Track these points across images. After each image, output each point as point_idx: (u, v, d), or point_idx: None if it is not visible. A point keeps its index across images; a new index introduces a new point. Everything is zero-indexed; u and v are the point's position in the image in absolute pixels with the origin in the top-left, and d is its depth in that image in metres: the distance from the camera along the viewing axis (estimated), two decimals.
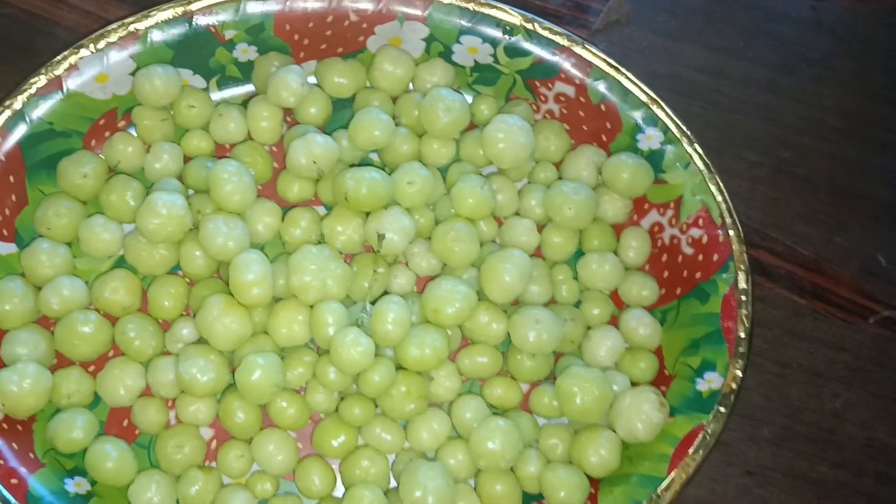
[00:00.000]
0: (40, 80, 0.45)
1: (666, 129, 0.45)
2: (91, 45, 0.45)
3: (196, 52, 0.47)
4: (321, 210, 0.47)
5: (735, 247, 0.43)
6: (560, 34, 0.46)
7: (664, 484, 0.39)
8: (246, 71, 0.48)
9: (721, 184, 0.44)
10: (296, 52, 0.48)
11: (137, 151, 0.47)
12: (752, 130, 0.52)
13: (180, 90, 0.47)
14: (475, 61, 0.48)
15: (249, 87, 0.49)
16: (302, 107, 0.47)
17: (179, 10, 0.45)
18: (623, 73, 0.46)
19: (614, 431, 0.42)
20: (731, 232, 0.44)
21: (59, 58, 0.45)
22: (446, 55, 0.48)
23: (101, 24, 0.49)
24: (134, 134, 0.47)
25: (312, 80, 0.49)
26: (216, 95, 0.49)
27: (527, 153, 0.45)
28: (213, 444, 0.44)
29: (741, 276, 0.43)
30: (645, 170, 0.45)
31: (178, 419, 0.43)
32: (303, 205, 0.47)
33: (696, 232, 0.44)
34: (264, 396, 0.42)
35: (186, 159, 0.47)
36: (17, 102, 0.44)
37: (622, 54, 0.47)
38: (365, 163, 0.48)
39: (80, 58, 0.45)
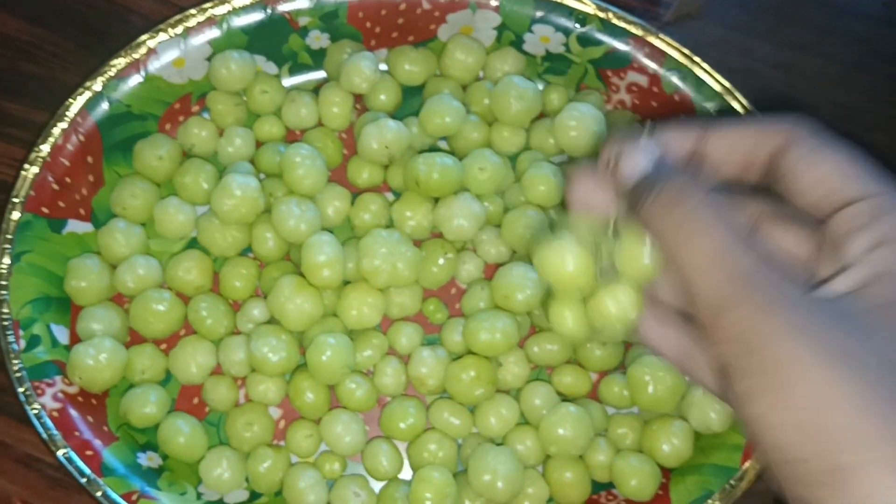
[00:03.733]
0: (120, 63, 0.46)
1: None
2: (170, 30, 0.46)
3: (270, 38, 0.48)
4: (390, 196, 0.48)
5: None
6: (634, 24, 0.46)
7: (738, 474, 0.39)
8: (317, 58, 0.49)
9: None
10: (367, 39, 0.49)
11: (211, 135, 0.48)
12: (825, 126, 0.51)
13: (254, 76, 0.48)
14: (547, 50, 0.48)
15: (320, 75, 0.49)
16: (373, 93, 0.48)
17: None
18: (698, 64, 0.46)
19: (686, 421, 0.41)
20: None
21: (138, 41, 0.46)
22: (517, 44, 0.48)
23: (175, 12, 0.50)
24: (208, 118, 0.48)
25: (383, 67, 0.49)
26: (287, 82, 0.49)
27: (599, 142, 0.45)
28: (282, 423, 0.44)
29: None
30: None
31: (248, 398, 0.44)
32: (372, 190, 0.47)
33: None
34: (335, 376, 0.42)
35: (258, 144, 0.48)
36: (98, 84, 0.45)
37: (693, 48, 0.47)
38: (434, 149, 0.48)
39: (160, 42, 0.46)
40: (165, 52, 0.46)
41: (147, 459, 0.42)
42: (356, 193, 0.47)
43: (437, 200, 0.45)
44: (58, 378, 0.42)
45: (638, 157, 0.26)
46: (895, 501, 0.20)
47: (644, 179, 0.25)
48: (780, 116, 0.26)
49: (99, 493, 0.40)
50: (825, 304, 0.22)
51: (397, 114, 0.49)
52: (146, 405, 0.42)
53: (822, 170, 0.25)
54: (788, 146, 0.25)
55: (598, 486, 0.42)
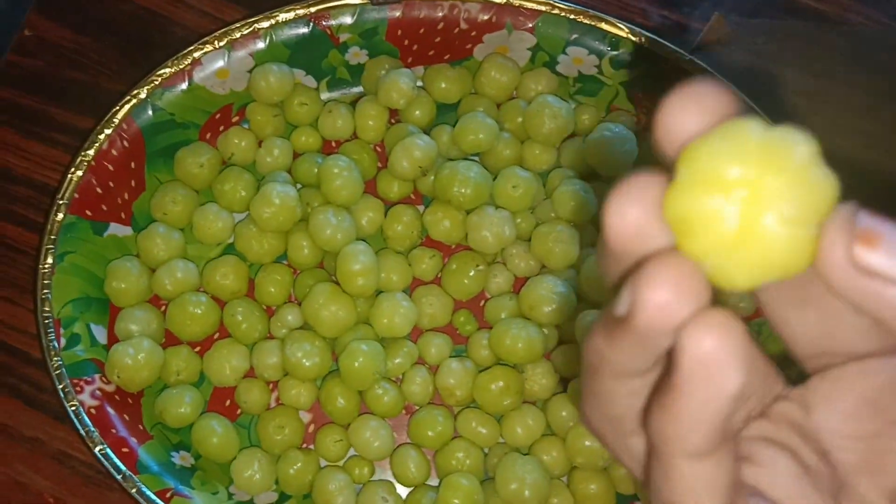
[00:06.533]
0: (166, 72, 0.47)
1: None
2: (215, 42, 0.47)
3: (311, 53, 0.49)
4: (421, 209, 0.49)
5: None
6: (666, 48, 0.47)
7: None
8: (355, 74, 0.50)
9: None
10: (404, 56, 0.50)
11: (250, 145, 0.49)
12: (851, 154, 0.52)
13: (292, 88, 0.49)
14: (579, 72, 0.49)
15: (357, 90, 0.51)
16: (408, 109, 0.49)
17: (301, 12, 0.48)
18: (728, 88, 0.47)
19: None
20: None
21: (184, 51, 0.47)
22: (551, 65, 0.49)
23: (217, 25, 0.51)
24: (248, 128, 0.49)
25: (419, 84, 0.50)
26: (325, 96, 0.50)
27: (630, 161, 0.46)
28: (311, 427, 0.45)
29: None
30: None
31: (280, 401, 0.45)
32: (403, 202, 0.49)
33: None
34: (366, 382, 0.43)
35: (295, 155, 0.49)
36: (143, 92, 0.47)
37: (721, 74, 0.48)
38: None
39: (205, 53, 0.47)
40: (210, 63, 0.47)
41: (180, 458, 0.43)
42: (388, 205, 0.48)
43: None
44: (96, 376, 0.43)
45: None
46: None
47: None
48: None
49: (134, 490, 0.41)
50: None
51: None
52: (181, 405, 0.43)
53: None
54: None
55: (622, 499, 0.43)
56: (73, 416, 0.42)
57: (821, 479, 0.19)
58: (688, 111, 0.16)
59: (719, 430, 0.16)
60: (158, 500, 0.40)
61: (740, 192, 0.15)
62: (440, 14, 0.48)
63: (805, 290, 0.18)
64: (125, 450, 0.42)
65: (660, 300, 0.15)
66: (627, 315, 0.15)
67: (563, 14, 0.48)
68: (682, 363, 0.15)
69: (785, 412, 0.19)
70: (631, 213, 0.16)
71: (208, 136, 0.49)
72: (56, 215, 0.45)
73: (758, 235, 0.15)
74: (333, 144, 0.50)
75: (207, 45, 0.47)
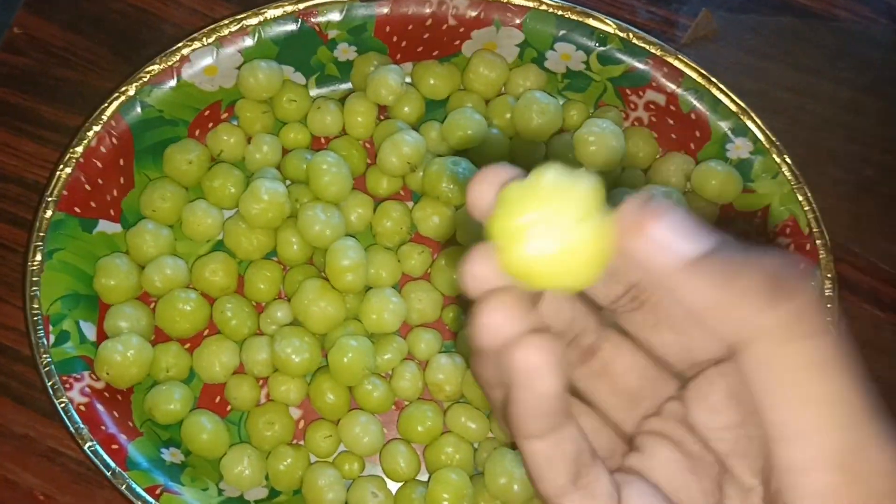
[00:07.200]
0: (154, 69, 0.47)
1: (755, 140, 0.46)
2: (204, 38, 0.47)
3: (300, 49, 0.49)
4: (410, 205, 0.49)
5: (822, 256, 0.44)
6: (654, 44, 0.47)
7: None
8: (344, 70, 0.50)
9: (809, 195, 0.45)
10: (393, 53, 0.50)
11: (239, 142, 0.49)
12: (837, 148, 0.52)
13: (281, 85, 0.49)
14: (567, 68, 0.49)
15: (346, 86, 0.51)
16: (397, 105, 0.49)
17: (290, 8, 0.48)
18: (714, 84, 0.47)
19: None
20: (818, 242, 0.44)
21: (173, 48, 0.47)
22: (539, 61, 0.49)
23: (206, 22, 0.51)
24: (236, 125, 0.49)
25: (408, 80, 0.50)
26: (314, 92, 0.51)
27: (618, 157, 0.46)
28: (301, 424, 0.45)
29: (827, 285, 0.43)
30: (734, 178, 0.46)
31: (269, 398, 0.45)
32: (393, 198, 0.49)
33: (783, 241, 0.45)
34: (356, 378, 0.43)
35: (284, 151, 0.49)
36: (132, 89, 0.47)
37: (709, 69, 0.48)
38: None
39: (193, 50, 0.47)
40: (199, 60, 0.47)
41: (170, 455, 0.43)
42: (377, 201, 0.48)
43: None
44: (85, 373, 0.43)
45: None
46: None
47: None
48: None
49: (123, 486, 0.41)
50: None
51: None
52: (171, 402, 0.43)
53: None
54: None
55: None
56: (62, 413, 0.42)
57: (703, 465, 0.23)
58: (483, 190, 0.21)
59: (548, 418, 0.20)
60: (148, 497, 0.41)
61: (535, 215, 0.19)
62: (428, 10, 0.48)
63: (654, 313, 0.23)
64: (115, 446, 0.42)
65: (492, 322, 0.20)
66: (476, 338, 0.20)
67: (550, 10, 0.48)
68: (513, 372, 0.20)
69: (673, 410, 0.24)
70: (480, 270, 0.21)
71: (197, 132, 0.49)
72: (45, 212, 0.45)
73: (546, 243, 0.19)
74: (322, 141, 0.50)
75: (196, 42, 0.47)
